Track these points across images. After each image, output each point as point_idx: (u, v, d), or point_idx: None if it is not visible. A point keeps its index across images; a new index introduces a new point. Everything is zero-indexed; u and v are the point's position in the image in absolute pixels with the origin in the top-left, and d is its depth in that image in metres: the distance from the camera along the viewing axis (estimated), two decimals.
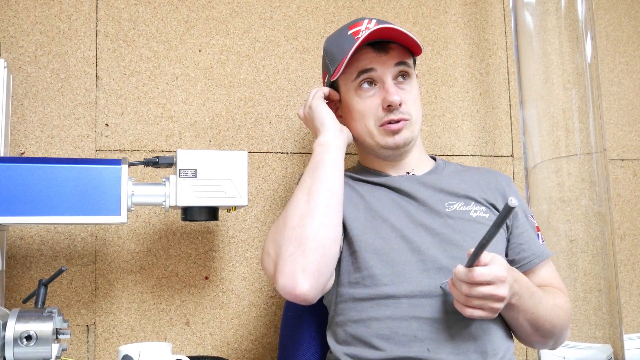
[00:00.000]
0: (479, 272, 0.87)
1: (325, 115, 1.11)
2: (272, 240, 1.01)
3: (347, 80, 1.14)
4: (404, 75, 1.12)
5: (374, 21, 1.12)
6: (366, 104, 1.11)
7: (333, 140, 1.07)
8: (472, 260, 0.88)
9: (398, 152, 1.14)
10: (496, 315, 0.92)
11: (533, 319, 1.00)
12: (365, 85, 1.11)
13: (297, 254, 0.95)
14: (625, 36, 1.81)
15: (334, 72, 1.12)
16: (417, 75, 1.22)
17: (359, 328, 1.02)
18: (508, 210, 0.78)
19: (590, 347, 1.34)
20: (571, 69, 1.41)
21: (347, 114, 1.16)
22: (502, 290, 0.89)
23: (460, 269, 0.90)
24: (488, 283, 0.88)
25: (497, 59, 1.66)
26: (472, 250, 0.88)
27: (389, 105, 1.08)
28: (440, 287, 0.98)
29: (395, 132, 1.10)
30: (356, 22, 1.13)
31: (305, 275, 0.94)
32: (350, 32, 1.12)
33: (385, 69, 1.10)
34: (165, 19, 1.40)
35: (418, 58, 1.57)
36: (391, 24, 1.09)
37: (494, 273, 0.88)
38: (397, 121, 1.09)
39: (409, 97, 1.11)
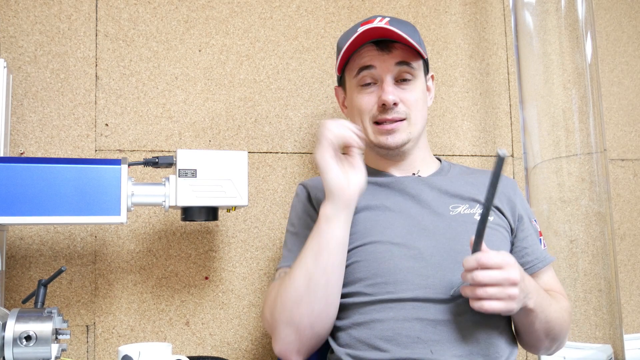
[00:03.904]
0: (487, 256, 0.89)
1: (328, 172, 0.98)
2: (269, 307, 1.03)
3: (350, 76, 1.15)
4: (407, 75, 1.11)
5: (385, 19, 1.10)
6: (364, 101, 1.11)
7: (338, 212, 0.98)
8: (477, 243, 0.89)
9: (394, 152, 1.13)
10: (515, 306, 0.90)
11: (546, 321, 1.00)
12: (365, 82, 1.11)
13: (292, 338, 0.99)
14: (625, 36, 1.81)
15: (338, 66, 1.14)
16: (432, 76, 1.21)
17: (362, 331, 1.01)
18: (500, 161, 0.76)
19: (590, 347, 1.34)
20: (571, 69, 1.41)
21: (350, 108, 1.17)
22: (513, 273, 0.89)
23: (469, 257, 0.90)
24: (498, 267, 0.88)
25: (497, 59, 1.66)
26: (473, 237, 0.89)
27: (383, 105, 1.08)
28: (451, 295, 0.97)
29: (388, 133, 1.10)
30: (369, 20, 1.13)
31: (300, 355, 1.01)
32: (360, 29, 1.11)
33: (385, 67, 1.09)
34: (165, 19, 1.40)
35: None
36: (398, 25, 1.08)
37: (501, 257, 0.89)
38: (392, 121, 1.09)
39: (408, 97, 1.10)
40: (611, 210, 1.41)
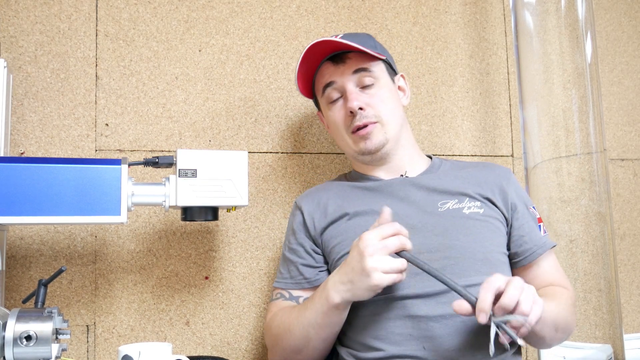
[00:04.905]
0: (489, 282, 0.84)
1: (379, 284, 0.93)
2: (269, 336, 1.10)
3: (320, 97, 1.20)
4: (367, 80, 1.13)
5: (339, 35, 1.14)
6: (335, 116, 1.15)
7: (351, 302, 0.98)
8: (468, 299, 0.86)
9: (377, 156, 1.15)
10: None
11: (554, 321, 0.98)
12: (333, 98, 1.15)
13: None
14: (625, 36, 1.81)
15: (298, 87, 1.20)
16: (402, 75, 1.23)
17: (358, 331, 1.02)
18: None
19: (590, 347, 1.34)
20: (571, 69, 1.41)
21: (329, 127, 1.21)
22: (516, 279, 0.85)
23: (479, 302, 0.84)
24: (504, 283, 0.84)
25: (497, 59, 1.66)
26: (458, 304, 0.87)
27: (350, 112, 1.11)
28: (495, 354, 0.89)
29: (366, 138, 1.12)
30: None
31: None
32: (308, 46, 1.15)
33: (344, 79, 1.13)
34: (165, 18, 1.40)
35: (416, 57, 1.58)
36: (349, 37, 1.12)
37: (492, 278, 0.85)
38: (364, 126, 1.11)
39: (374, 100, 1.12)
40: (611, 210, 1.41)
